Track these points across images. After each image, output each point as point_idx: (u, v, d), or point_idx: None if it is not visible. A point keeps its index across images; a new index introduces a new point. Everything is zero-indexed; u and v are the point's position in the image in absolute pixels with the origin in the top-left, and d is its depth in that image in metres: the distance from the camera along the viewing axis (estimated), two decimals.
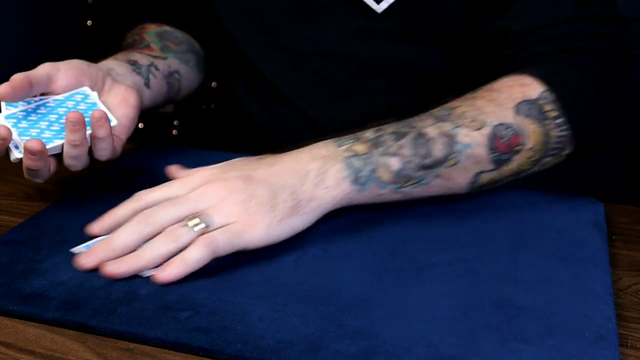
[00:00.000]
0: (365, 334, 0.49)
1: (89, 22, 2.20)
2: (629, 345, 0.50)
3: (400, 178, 0.62)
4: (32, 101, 0.64)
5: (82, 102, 0.66)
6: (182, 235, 0.55)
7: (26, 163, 0.61)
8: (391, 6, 0.75)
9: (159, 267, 0.54)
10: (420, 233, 0.63)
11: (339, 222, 0.64)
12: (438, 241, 0.61)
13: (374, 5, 0.75)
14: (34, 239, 0.60)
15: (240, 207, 0.57)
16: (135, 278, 0.55)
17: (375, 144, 0.62)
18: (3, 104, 0.63)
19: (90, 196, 0.69)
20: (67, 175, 0.75)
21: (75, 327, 0.50)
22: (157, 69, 0.77)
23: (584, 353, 0.47)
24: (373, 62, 0.80)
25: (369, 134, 0.63)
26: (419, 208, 0.67)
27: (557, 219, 0.65)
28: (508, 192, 0.70)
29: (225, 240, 0.55)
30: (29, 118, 0.63)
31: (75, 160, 0.63)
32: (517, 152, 0.64)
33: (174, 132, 2.19)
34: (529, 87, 0.66)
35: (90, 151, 0.64)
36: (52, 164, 0.63)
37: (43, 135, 0.62)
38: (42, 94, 0.65)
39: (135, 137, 0.90)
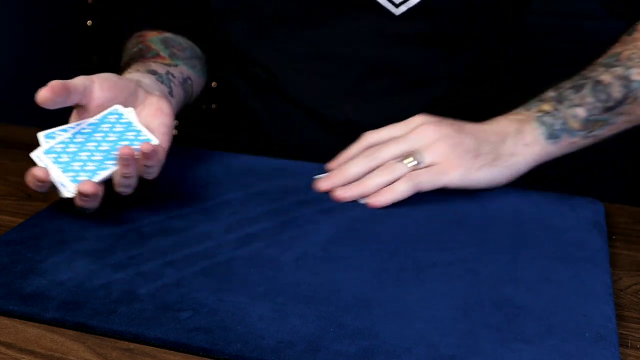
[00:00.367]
0: (365, 334, 0.49)
1: (89, 22, 2.20)
2: (629, 345, 0.50)
3: (589, 124, 0.69)
4: (67, 129, 0.63)
5: (118, 123, 0.64)
6: (397, 169, 0.66)
7: (79, 203, 0.60)
8: (409, 9, 0.75)
9: (371, 195, 0.66)
10: (420, 233, 0.63)
11: (339, 222, 0.64)
12: (438, 241, 0.61)
13: (392, 9, 0.75)
14: (34, 239, 0.60)
15: (448, 150, 0.66)
16: (135, 278, 0.55)
17: (559, 100, 0.69)
18: (42, 137, 0.62)
19: None
20: None
21: (75, 327, 0.50)
22: (173, 76, 0.77)
23: (584, 353, 0.47)
24: (385, 63, 0.81)
25: (550, 93, 0.70)
26: (419, 208, 0.67)
27: (557, 219, 0.65)
28: (508, 191, 0.70)
29: (428, 178, 0.65)
30: (68, 150, 0.62)
31: (127, 187, 0.62)
32: None
33: (174, 132, 2.18)
34: None
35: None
36: (101, 191, 0.61)
37: (86, 168, 0.61)
38: (75, 106, 0.64)
39: None
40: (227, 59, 0.91)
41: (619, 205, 0.71)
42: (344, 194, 0.67)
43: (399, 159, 0.66)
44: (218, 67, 0.93)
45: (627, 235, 0.66)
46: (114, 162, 0.61)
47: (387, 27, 0.78)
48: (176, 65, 0.80)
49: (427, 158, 0.66)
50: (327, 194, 0.69)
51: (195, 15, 0.89)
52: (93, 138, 0.63)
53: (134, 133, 0.64)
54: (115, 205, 0.66)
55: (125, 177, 0.61)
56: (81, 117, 0.64)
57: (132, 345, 0.49)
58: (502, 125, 0.68)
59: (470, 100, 0.85)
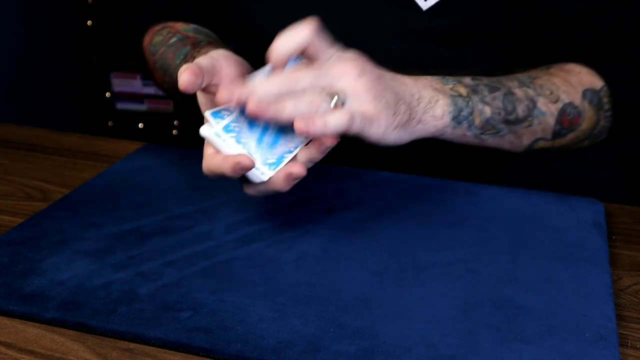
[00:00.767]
0: (365, 334, 0.49)
1: (89, 22, 2.21)
2: (629, 345, 0.50)
3: (487, 126, 0.67)
4: (230, 109, 0.59)
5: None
6: (322, 104, 0.57)
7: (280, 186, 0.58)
8: (437, 3, 0.75)
9: (300, 121, 0.55)
10: (420, 233, 0.63)
11: (339, 222, 0.64)
12: (438, 241, 0.62)
13: (420, 2, 0.75)
14: (34, 239, 0.60)
15: (371, 101, 0.59)
16: (135, 278, 0.55)
17: (474, 90, 0.67)
18: (209, 115, 0.58)
19: (90, 196, 0.69)
20: (66, 175, 0.76)
21: (75, 327, 0.50)
22: None
23: (584, 353, 0.47)
24: (407, 60, 0.80)
25: (468, 80, 0.68)
26: (419, 208, 0.67)
27: (557, 219, 0.65)
28: (508, 192, 0.70)
29: (360, 121, 0.58)
30: (245, 131, 0.59)
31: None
32: (573, 130, 0.72)
33: (174, 132, 2.19)
34: (594, 77, 0.74)
35: None
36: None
37: (276, 151, 0.59)
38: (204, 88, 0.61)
39: (135, 137, 0.90)
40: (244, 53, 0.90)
41: (619, 205, 0.71)
42: (257, 108, 0.56)
43: (322, 93, 0.58)
44: None
45: (627, 235, 0.66)
46: (295, 142, 0.60)
47: (413, 22, 0.77)
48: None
49: (350, 102, 0.58)
50: (327, 194, 0.69)
51: (218, 6, 0.88)
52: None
53: None
54: (116, 206, 0.66)
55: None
56: (211, 97, 0.62)
57: (132, 345, 0.49)
58: (419, 86, 0.64)
59: None
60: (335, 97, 0.58)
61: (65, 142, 0.84)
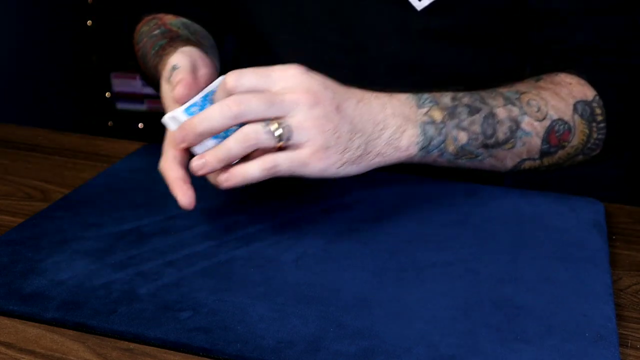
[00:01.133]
0: (365, 334, 0.49)
1: (89, 22, 2.21)
2: (629, 345, 0.50)
3: (462, 151, 0.65)
4: (196, 103, 0.60)
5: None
6: (261, 139, 0.56)
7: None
8: (432, 4, 0.75)
9: (218, 172, 0.57)
10: (420, 233, 0.63)
11: (339, 222, 0.64)
12: (438, 241, 0.62)
13: (414, 3, 0.75)
14: (34, 239, 0.60)
15: (320, 137, 0.58)
16: (135, 278, 0.55)
17: (451, 114, 0.64)
18: (181, 113, 0.59)
19: (90, 196, 0.69)
20: (66, 175, 0.75)
21: (75, 327, 0.50)
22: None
23: (584, 353, 0.47)
24: (406, 60, 0.80)
25: (447, 100, 0.65)
26: (419, 208, 0.67)
27: (557, 219, 0.65)
28: (508, 191, 0.70)
29: (287, 166, 0.57)
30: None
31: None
32: (562, 147, 0.69)
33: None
34: (586, 88, 0.71)
35: None
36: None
37: None
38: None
39: (135, 137, 0.90)
40: (243, 51, 0.90)
41: (619, 205, 0.71)
42: (196, 166, 0.56)
43: (264, 124, 0.56)
44: (223, 61, 0.92)
45: (627, 235, 0.66)
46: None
47: (410, 23, 0.77)
48: (207, 53, 0.79)
49: (296, 137, 0.57)
50: (327, 194, 0.69)
51: (217, 6, 0.88)
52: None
53: None
54: (115, 206, 0.66)
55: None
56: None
57: (132, 345, 0.49)
58: (387, 112, 0.62)
59: None
60: (277, 127, 0.56)
61: (65, 142, 0.84)
